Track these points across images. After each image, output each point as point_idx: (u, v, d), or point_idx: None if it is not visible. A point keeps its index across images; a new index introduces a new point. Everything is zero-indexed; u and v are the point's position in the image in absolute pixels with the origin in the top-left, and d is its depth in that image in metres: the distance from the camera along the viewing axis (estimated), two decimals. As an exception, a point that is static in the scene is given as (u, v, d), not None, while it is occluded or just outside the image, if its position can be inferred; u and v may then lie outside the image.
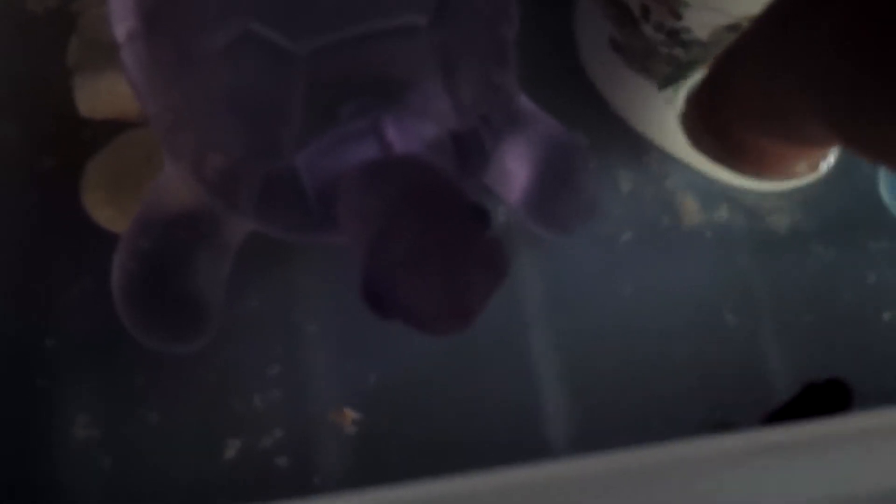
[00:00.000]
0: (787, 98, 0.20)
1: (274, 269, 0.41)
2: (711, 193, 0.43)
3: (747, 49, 0.22)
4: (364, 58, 0.35)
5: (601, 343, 0.41)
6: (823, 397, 0.39)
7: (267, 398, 0.40)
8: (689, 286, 0.42)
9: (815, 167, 0.39)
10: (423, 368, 0.40)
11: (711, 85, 0.23)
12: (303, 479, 0.38)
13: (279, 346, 0.40)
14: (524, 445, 0.40)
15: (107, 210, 0.40)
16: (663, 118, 0.42)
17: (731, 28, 0.36)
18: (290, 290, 0.41)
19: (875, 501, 0.27)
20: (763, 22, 0.21)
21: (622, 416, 0.41)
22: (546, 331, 0.41)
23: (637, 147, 0.44)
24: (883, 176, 0.43)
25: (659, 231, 0.43)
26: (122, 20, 0.37)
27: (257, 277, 0.41)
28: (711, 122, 0.23)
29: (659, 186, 0.43)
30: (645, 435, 0.40)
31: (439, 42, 0.36)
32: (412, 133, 0.35)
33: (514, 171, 0.39)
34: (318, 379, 0.40)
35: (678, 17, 0.37)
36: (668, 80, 0.40)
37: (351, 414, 0.39)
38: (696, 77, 0.39)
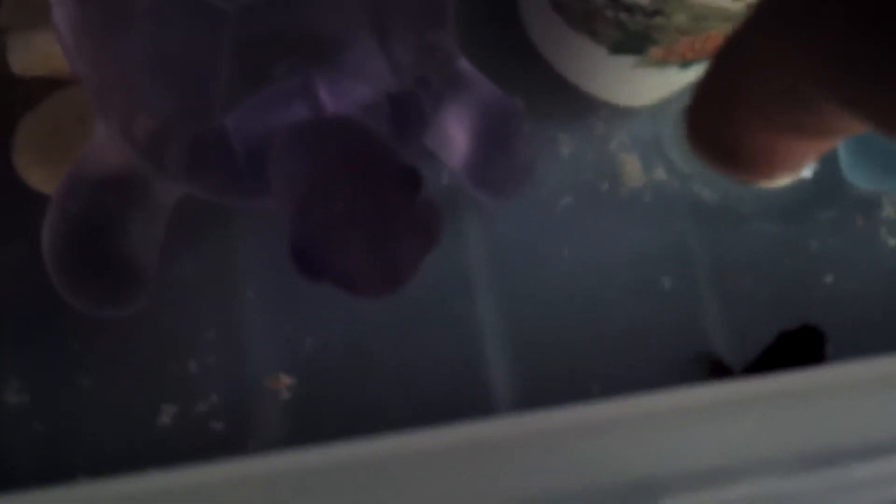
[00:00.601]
0: (799, 83, 0.19)
1: (210, 233, 0.40)
2: (654, 153, 0.43)
3: (749, 38, 0.20)
4: (296, 16, 0.34)
5: (541, 306, 0.41)
6: (798, 344, 0.39)
7: (202, 363, 0.39)
8: (629, 250, 0.41)
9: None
10: (362, 332, 0.40)
11: (710, 85, 0.22)
12: (238, 443, 0.38)
13: (215, 310, 0.39)
14: (464, 410, 0.39)
15: (38, 171, 0.39)
16: (613, 75, 0.41)
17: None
18: (227, 253, 0.40)
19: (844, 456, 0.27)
20: (764, 6, 0.20)
21: (563, 379, 0.40)
22: (487, 294, 0.41)
23: (580, 109, 0.43)
24: (843, 151, 0.42)
25: (599, 195, 0.42)
26: (53, -22, 0.36)
27: (193, 241, 0.40)
28: (715, 127, 0.22)
29: (601, 149, 0.42)
30: (584, 396, 0.40)
31: (374, 1, 0.35)
32: (345, 94, 0.34)
33: (454, 135, 0.38)
34: (253, 344, 0.39)
35: (617, -22, 0.36)
36: (620, 47, 0.39)
37: (286, 379, 0.39)
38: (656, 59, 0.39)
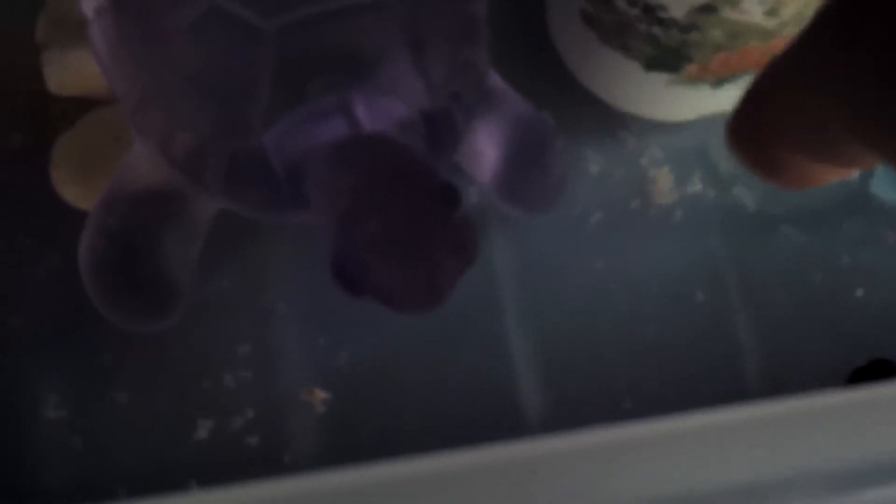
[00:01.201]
0: (824, 117, 0.20)
1: (245, 249, 0.40)
2: (687, 165, 0.43)
3: (784, 67, 0.21)
4: (333, 34, 0.34)
5: (572, 323, 0.41)
6: (871, 379, 0.39)
7: (238, 378, 0.39)
8: (659, 266, 0.41)
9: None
10: (394, 347, 0.40)
11: (750, 101, 0.23)
12: (274, 458, 0.38)
13: (250, 325, 0.39)
14: (497, 424, 0.40)
15: (75, 188, 0.39)
16: (645, 93, 0.41)
17: (706, 9, 0.35)
18: (262, 269, 0.40)
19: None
20: (799, 40, 0.21)
21: (594, 394, 0.40)
22: (518, 310, 0.41)
23: (610, 124, 0.43)
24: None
25: (629, 211, 0.42)
26: (90, -4, 0.36)
27: (228, 257, 0.40)
28: (752, 138, 0.23)
29: (631, 165, 0.42)
30: (616, 413, 0.40)
31: (409, 18, 0.35)
32: (381, 111, 0.34)
33: (485, 151, 0.38)
34: (288, 358, 0.39)
35: (651, -9, 0.36)
36: (654, 63, 0.39)
37: (321, 393, 0.39)
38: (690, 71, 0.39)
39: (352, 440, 0.38)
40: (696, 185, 0.42)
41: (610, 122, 0.43)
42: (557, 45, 0.43)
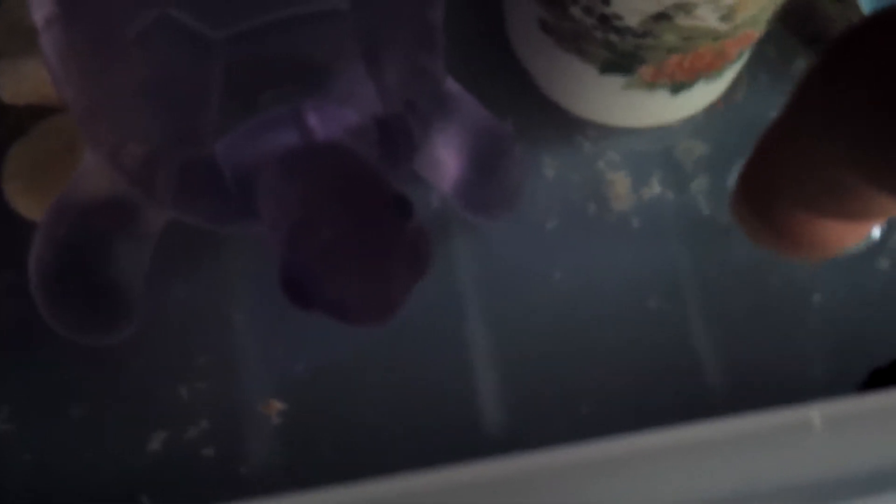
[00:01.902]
0: (835, 168, 0.19)
1: (201, 258, 0.40)
2: (645, 169, 0.42)
3: (787, 124, 0.21)
4: (284, 43, 0.34)
5: (532, 329, 0.40)
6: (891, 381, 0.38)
7: (193, 389, 0.38)
8: (617, 272, 0.41)
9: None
10: (353, 356, 0.39)
11: (755, 166, 0.22)
12: (229, 470, 0.37)
13: (206, 335, 0.39)
14: (457, 433, 0.39)
15: (27, 199, 0.39)
16: (602, 96, 0.40)
17: (660, 17, 0.35)
18: (218, 279, 0.39)
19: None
20: (794, 96, 0.20)
21: (554, 400, 0.40)
22: (478, 317, 0.40)
23: (566, 131, 0.42)
24: None
25: (586, 218, 0.41)
26: (40, 5, 0.35)
27: (184, 267, 0.39)
28: (761, 206, 0.22)
29: (587, 170, 0.42)
30: (574, 419, 0.40)
31: (362, 26, 0.35)
32: (334, 119, 0.34)
33: (443, 159, 0.38)
34: (245, 369, 0.39)
35: (606, 2, 0.35)
36: (610, 66, 0.38)
37: (278, 404, 0.38)
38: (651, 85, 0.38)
39: (309, 451, 0.38)
40: (654, 189, 0.42)
41: (567, 127, 0.42)
42: (516, 50, 0.43)
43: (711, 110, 0.42)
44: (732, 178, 0.42)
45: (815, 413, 0.24)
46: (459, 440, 0.39)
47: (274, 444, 0.38)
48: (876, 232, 0.41)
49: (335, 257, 0.31)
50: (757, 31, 0.37)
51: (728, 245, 0.41)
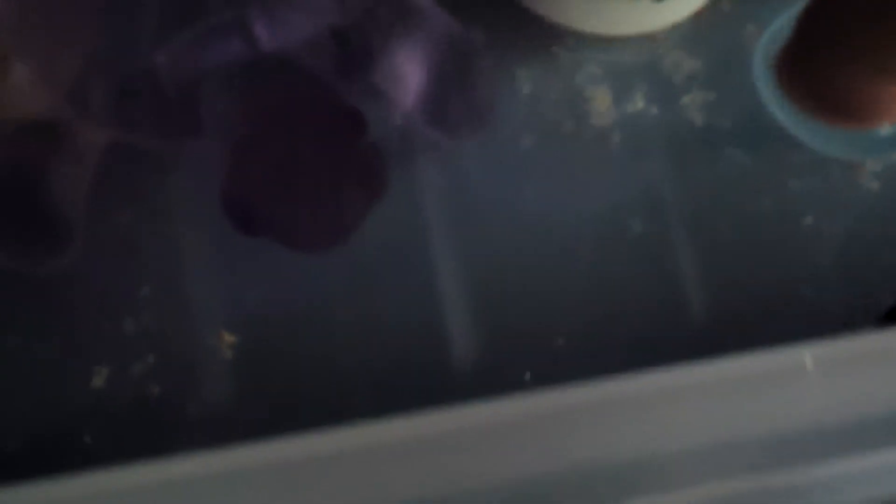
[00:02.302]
0: None
1: (145, 181, 0.36)
2: (628, 82, 0.39)
3: None
4: (229, -58, 0.31)
5: (504, 256, 0.37)
6: None
7: (138, 322, 0.35)
8: (595, 194, 0.38)
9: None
10: (311, 286, 0.36)
11: (814, 24, 0.19)
12: (177, 407, 0.34)
13: (151, 264, 0.36)
14: (424, 367, 0.36)
15: (-45, 117, 0.35)
16: (582, 5, 0.37)
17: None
18: (163, 204, 0.36)
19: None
20: None
21: (527, 332, 0.37)
22: (445, 243, 0.37)
23: (542, 41, 0.39)
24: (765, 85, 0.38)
25: (562, 135, 0.38)
26: None
27: (128, 190, 0.36)
28: (816, 76, 0.19)
29: (565, 83, 0.39)
30: (550, 352, 0.37)
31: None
32: (284, 28, 0.31)
33: (406, 72, 0.35)
34: (194, 299, 0.36)
35: None
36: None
37: (229, 337, 0.35)
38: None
39: (261, 388, 0.35)
40: (637, 104, 0.39)
41: (544, 37, 0.39)
42: (487, -45, 0.39)
43: (698, 19, 0.39)
44: (726, 91, 0.39)
45: (807, 355, 0.22)
46: (426, 375, 0.37)
47: (224, 380, 0.35)
48: None
49: (282, 178, 0.28)
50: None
51: (717, 164, 0.39)
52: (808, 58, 0.20)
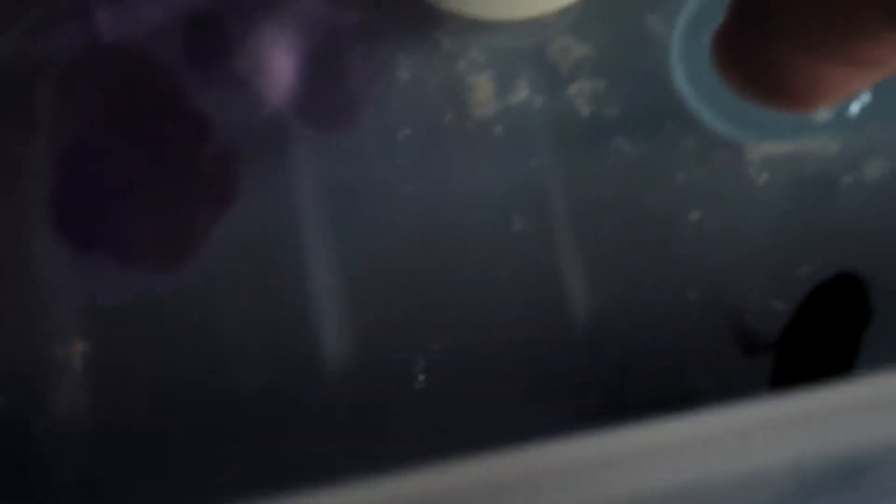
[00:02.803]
0: (856, 8, 0.16)
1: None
2: (512, 70, 0.37)
3: None
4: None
5: (380, 254, 0.35)
6: (837, 297, 0.34)
7: (-19, 330, 0.33)
8: (476, 189, 0.36)
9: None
10: (171, 286, 0.33)
11: (745, 11, 0.18)
12: (20, 425, 0.32)
13: (-2, 269, 0.33)
14: (296, 370, 0.34)
15: None
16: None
17: None
18: (10, 204, 0.33)
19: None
20: None
21: (404, 334, 0.35)
22: (319, 241, 0.35)
23: (423, 24, 0.36)
24: (678, 63, 0.36)
25: (443, 126, 0.36)
26: None
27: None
28: (751, 58, 0.19)
29: (446, 71, 0.36)
30: (427, 352, 0.35)
31: None
32: (129, 16, 0.28)
33: (272, 61, 0.32)
34: (41, 304, 0.33)
35: None
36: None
37: (80, 345, 0.33)
38: None
39: (115, 400, 0.32)
40: (520, 94, 0.37)
41: (424, 21, 0.36)
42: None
43: (587, 4, 0.37)
44: (615, 79, 0.37)
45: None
46: (299, 375, 0.34)
47: (74, 392, 0.32)
48: (854, 107, 0.36)
49: (118, 189, 0.25)
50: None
51: (603, 157, 0.37)
52: (743, 40, 0.19)
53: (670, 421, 0.20)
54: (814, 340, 0.34)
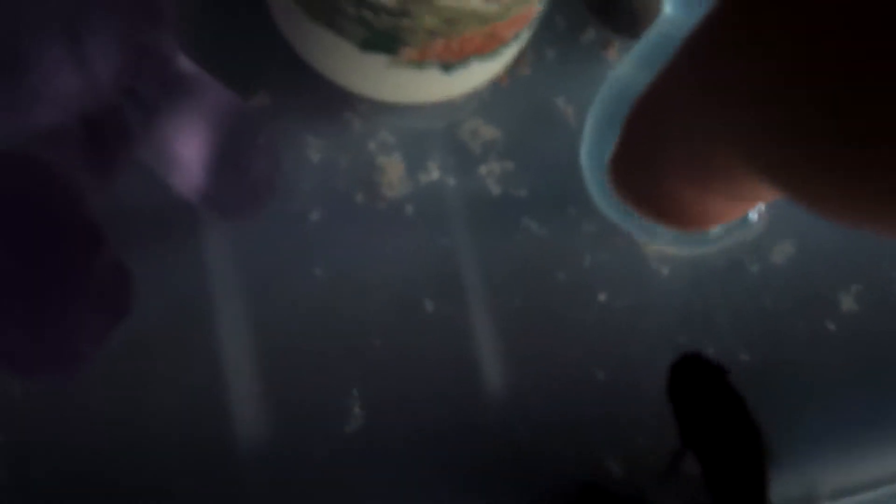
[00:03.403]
0: (711, 149, 0.17)
1: None
2: (422, 151, 0.37)
3: (664, 95, 0.18)
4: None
5: (292, 337, 0.35)
6: (693, 377, 0.34)
7: None
8: (387, 270, 0.35)
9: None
10: (80, 374, 0.33)
11: (630, 138, 0.19)
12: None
13: None
14: (205, 452, 0.34)
15: None
16: (367, 73, 0.35)
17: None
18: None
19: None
20: (674, 60, 0.17)
21: (317, 414, 0.35)
22: (230, 324, 0.35)
23: (333, 104, 0.36)
24: (586, 157, 0.36)
25: (354, 207, 0.36)
26: None
27: None
28: (636, 181, 0.19)
29: (357, 152, 0.36)
30: (337, 437, 0.35)
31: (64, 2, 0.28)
32: (17, 120, 0.27)
33: (175, 151, 0.31)
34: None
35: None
36: (370, 45, 0.32)
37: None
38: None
39: (28, 492, 0.32)
40: (431, 174, 0.36)
41: (335, 102, 0.36)
42: (274, 19, 0.36)
43: (496, 87, 0.37)
44: (524, 160, 0.37)
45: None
46: (207, 461, 0.34)
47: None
48: (753, 215, 0.36)
49: (5, 302, 0.25)
50: (533, 10, 0.32)
51: (514, 236, 0.36)
52: (632, 166, 0.19)
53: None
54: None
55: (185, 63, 0.31)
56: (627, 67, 0.34)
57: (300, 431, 0.35)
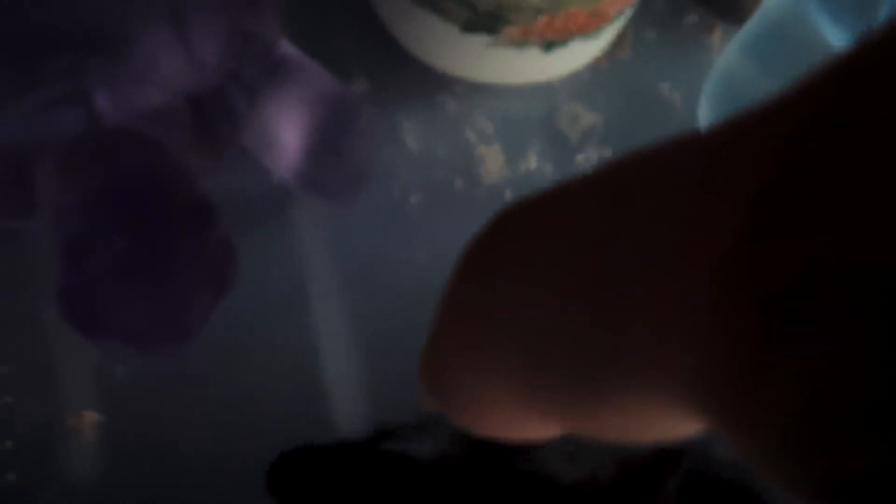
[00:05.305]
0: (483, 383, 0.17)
1: (2, 253, 0.32)
2: (520, 137, 0.35)
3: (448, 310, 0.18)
4: (69, 5, 0.26)
5: (393, 321, 0.33)
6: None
7: (-3, 402, 0.31)
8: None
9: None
10: (180, 359, 0.32)
11: (432, 340, 0.20)
12: (30, 498, 0.30)
13: (10, 340, 0.32)
14: (300, 440, 0.32)
15: None
16: (468, 55, 0.33)
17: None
18: (22, 274, 0.32)
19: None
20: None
21: (417, 394, 0.33)
22: (329, 310, 0.33)
23: (430, 89, 0.35)
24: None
25: (453, 191, 0.34)
26: None
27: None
28: (437, 379, 0.20)
29: (455, 139, 0.35)
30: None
31: (170, -17, 0.27)
32: (130, 100, 0.27)
33: (278, 134, 0.31)
34: (55, 376, 0.32)
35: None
36: (471, 26, 0.31)
37: (92, 416, 0.31)
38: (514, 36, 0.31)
39: (129, 471, 0.31)
40: (530, 162, 0.35)
41: (431, 87, 0.35)
42: (372, 2, 0.35)
43: (595, 69, 0.35)
44: (626, 148, 0.35)
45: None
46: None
47: (86, 463, 0.31)
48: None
49: (121, 276, 0.24)
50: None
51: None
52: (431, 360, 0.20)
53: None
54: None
55: (288, 48, 0.30)
56: (735, 58, 0.33)
57: (406, 413, 0.33)
